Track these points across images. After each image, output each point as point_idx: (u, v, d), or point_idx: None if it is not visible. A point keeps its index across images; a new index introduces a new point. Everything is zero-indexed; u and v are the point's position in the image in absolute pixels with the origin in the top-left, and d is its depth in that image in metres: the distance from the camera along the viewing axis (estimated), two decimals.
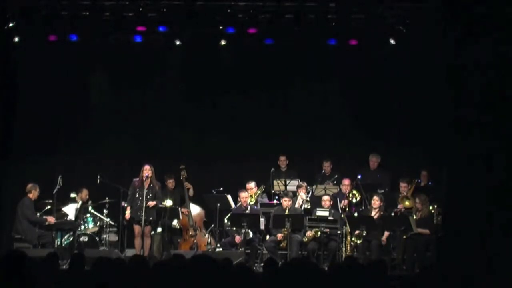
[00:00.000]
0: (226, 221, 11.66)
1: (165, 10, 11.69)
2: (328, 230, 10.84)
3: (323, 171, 12.46)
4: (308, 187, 12.00)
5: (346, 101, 12.97)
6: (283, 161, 12.70)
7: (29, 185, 11.56)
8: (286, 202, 11.26)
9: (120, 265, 5.33)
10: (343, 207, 11.71)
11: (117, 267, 5.22)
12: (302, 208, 11.57)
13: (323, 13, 11.66)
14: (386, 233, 10.96)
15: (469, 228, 8.55)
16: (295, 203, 11.57)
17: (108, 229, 11.91)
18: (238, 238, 11.16)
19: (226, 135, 13.09)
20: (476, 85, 8.45)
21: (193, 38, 12.44)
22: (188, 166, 12.17)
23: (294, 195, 11.78)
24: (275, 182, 12.15)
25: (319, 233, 10.85)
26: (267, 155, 12.78)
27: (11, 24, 11.61)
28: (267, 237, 11.44)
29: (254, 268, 10.38)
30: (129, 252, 11.58)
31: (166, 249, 11.62)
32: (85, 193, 12.03)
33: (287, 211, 11.18)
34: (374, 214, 11.17)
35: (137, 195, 11.29)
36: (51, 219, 11.45)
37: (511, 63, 8.00)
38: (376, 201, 11.22)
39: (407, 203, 11.50)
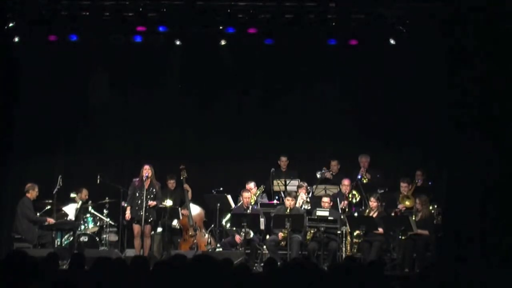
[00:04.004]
0: (224, 223, 11.70)
1: (165, 10, 11.67)
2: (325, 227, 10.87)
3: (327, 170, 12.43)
4: (308, 188, 12.00)
5: (346, 101, 12.97)
6: (284, 161, 12.70)
7: (28, 185, 11.58)
8: (288, 201, 11.26)
9: (120, 265, 5.33)
10: (343, 207, 11.70)
11: (117, 267, 5.22)
12: (303, 208, 11.57)
13: (323, 13, 11.65)
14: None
15: (469, 228, 8.57)
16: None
17: (108, 229, 11.92)
18: (238, 238, 11.16)
19: (226, 135, 13.10)
20: (475, 86, 8.46)
21: (193, 38, 12.44)
22: (188, 166, 12.17)
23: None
24: (275, 182, 12.15)
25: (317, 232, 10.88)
26: (267, 155, 12.77)
27: (11, 24, 11.60)
28: (267, 236, 11.44)
29: (254, 268, 10.39)
30: (129, 252, 11.60)
31: (166, 249, 11.62)
32: (84, 193, 12.04)
33: (288, 210, 11.17)
34: (373, 214, 11.17)
35: (137, 195, 11.31)
36: (50, 220, 11.45)
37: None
38: (373, 203, 11.22)
39: (407, 202, 11.49)
